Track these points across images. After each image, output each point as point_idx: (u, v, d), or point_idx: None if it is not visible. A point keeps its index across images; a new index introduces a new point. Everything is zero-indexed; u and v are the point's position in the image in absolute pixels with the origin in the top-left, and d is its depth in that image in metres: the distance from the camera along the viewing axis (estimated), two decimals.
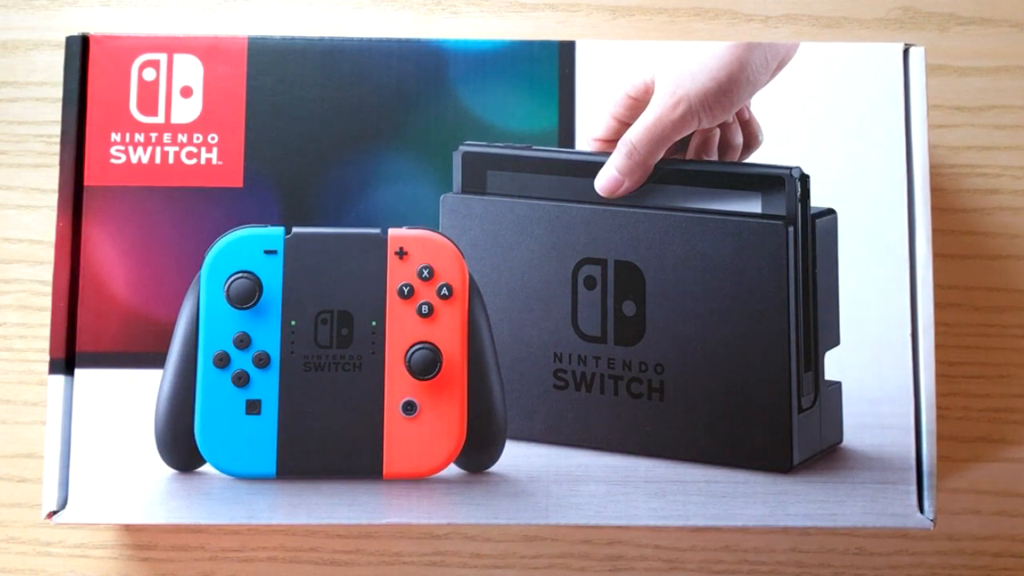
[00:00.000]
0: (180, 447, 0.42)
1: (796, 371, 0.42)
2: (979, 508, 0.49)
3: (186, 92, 0.44)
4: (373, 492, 0.41)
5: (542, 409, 0.44)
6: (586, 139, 0.44)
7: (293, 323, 0.42)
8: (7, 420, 0.49)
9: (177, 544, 0.48)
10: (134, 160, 0.43)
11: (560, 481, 0.42)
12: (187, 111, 0.44)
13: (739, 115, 0.44)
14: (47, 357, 0.42)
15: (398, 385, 0.42)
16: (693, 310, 0.43)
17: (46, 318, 0.46)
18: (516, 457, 0.43)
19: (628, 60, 0.44)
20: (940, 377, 0.45)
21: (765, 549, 0.49)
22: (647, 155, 0.43)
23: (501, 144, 0.44)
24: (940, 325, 0.48)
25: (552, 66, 0.44)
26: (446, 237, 0.43)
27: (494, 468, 0.42)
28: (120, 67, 0.44)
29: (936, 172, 0.51)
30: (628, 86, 0.44)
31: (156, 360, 0.42)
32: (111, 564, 0.48)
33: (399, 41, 0.44)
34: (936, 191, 0.50)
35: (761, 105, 0.44)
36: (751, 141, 0.44)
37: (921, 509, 0.42)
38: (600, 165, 0.44)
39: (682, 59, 0.43)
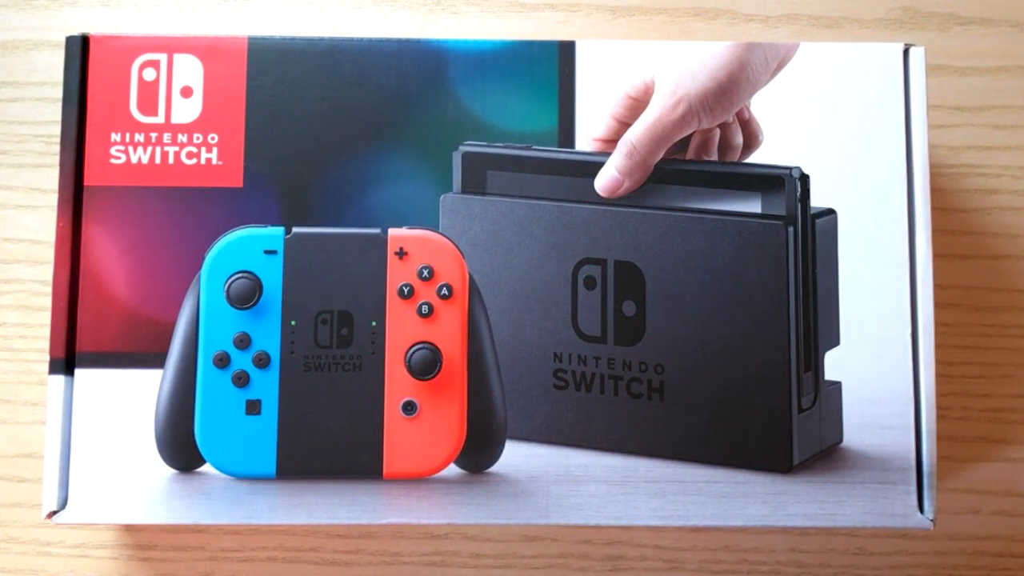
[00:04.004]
0: (180, 447, 0.42)
1: (796, 371, 0.42)
2: (979, 508, 0.49)
3: (186, 92, 0.44)
4: (373, 492, 0.41)
5: (542, 409, 0.44)
6: (586, 139, 0.44)
7: (293, 323, 0.42)
8: (7, 420, 0.49)
9: (177, 544, 0.48)
10: (134, 160, 0.43)
11: (560, 481, 0.42)
12: (187, 111, 0.44)
13: (739, 115, 0.44)
14: (47, 357, 0.42)
15: (398, 385, 0.42)
16: (693, 310, 0.43)
17: (46, 318, 0.46)
18: (516, 457, 0.43)
19: (628, 60, 0.44)
20: (940, 377, 0.45)
21: (765, 549, 0.49)
22: (647, 155, 0.43)
23: (501, 144, 0.44)
24: (940, 325, 0.48)
25: (552, 66, 0.44)
26: (446, 237, 0.43)
27: (494, 468, 0.42)
28: (120, 67, 0.44)
29: (936, 172, 0.51)
30: (628, 86, 0.44)
31: (156, 360, 0.42)
32: (111, 564, 0.48)
33: (399, 41, 0.44)
34: (936, 191, 0.50)
35: (761, 105, 0.44)
36: (751, 141, 0.44)
37: (921, 509, 0.42)
38: (600, 165, 0.44)
39: (682, 59, 0.43)
